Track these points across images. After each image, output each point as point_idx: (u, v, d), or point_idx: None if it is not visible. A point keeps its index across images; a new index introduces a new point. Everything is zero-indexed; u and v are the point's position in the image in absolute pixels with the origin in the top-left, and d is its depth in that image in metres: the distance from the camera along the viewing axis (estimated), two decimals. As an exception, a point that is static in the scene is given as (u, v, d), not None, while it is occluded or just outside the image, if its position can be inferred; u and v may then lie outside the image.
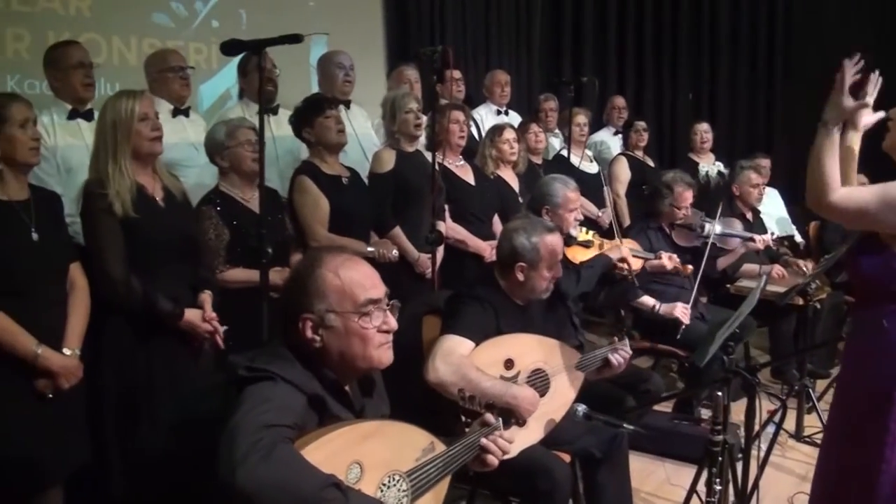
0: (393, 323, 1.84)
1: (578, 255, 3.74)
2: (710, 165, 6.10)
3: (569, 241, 3.68)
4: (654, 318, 4.18)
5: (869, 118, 2.36)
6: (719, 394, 2.65)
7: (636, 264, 3.97)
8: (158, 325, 2.71)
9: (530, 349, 2.77)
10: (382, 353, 1.83)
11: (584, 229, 3.84)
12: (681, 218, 4.48)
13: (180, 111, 3.85)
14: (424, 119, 4.09)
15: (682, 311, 4.12)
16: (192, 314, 2.78)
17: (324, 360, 1.79)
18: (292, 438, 1.60)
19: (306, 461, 1.55)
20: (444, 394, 2.56)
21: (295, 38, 2.47)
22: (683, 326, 4.09)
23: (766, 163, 6.07)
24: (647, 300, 4.15)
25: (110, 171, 2.67)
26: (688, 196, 4.49)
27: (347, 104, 4.39)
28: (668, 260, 4.10)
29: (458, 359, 2.61)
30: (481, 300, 2.80)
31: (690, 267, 4.13)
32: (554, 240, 2.92)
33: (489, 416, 1.95)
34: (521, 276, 2.87)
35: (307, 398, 1.70)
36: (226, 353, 3.06)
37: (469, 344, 2.67)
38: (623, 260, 3.74)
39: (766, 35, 7.67)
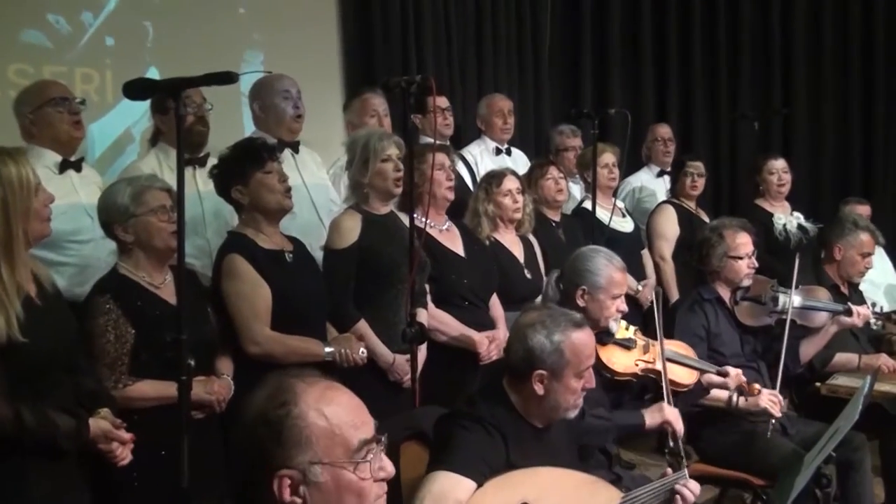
0: (390, 467, 1.87)
1: (615, 359, 3.75)
2: (787, 217, 6.10)
3: (604, 338, 3.71)
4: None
5: None
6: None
7: (688, 378, 3.93)
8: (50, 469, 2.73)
9: (554, 489, 2.78)
10: None
11: (624, 324, 3.85)
12: (745, 274, 4.50)
13: (70, 164, 3.88)
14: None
15: (769, 400, 4.10)
16: (97, 423, 2.81)
17: None
18: None
19: None
20: None
21: (226, 78, 2.51)
22: (773, 422, 4.09)
23: (863, 210, 6.13)
24: (719, 394, 4.12)
25: None
26: (746, 242, 4.50)
27: (296, 147, 4.49)
28: (734, 379, 4.01)
29: None
30: (485, 423, 2.81)
31: (758, 387, 4.09)
32: (583, 338, 2.95)
33: None
34: (539, 389, 2.90)
35: None
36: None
37: (469, 484, 2.68)
38: (667, 424, 3.53)
39: (862, 46, 7.87)
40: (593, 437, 3.45)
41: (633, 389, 3.86)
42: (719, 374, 4.01)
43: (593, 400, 3.32)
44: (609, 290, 3.68)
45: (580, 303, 3.66)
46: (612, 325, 3.71)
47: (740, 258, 4.48)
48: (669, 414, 3.50)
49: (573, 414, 2.99)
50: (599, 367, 3.67)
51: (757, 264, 4.56)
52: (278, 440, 1.78)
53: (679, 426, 3.50)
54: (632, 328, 3.88)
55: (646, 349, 3.84)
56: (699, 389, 4.00)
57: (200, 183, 4.01)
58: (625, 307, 3.76)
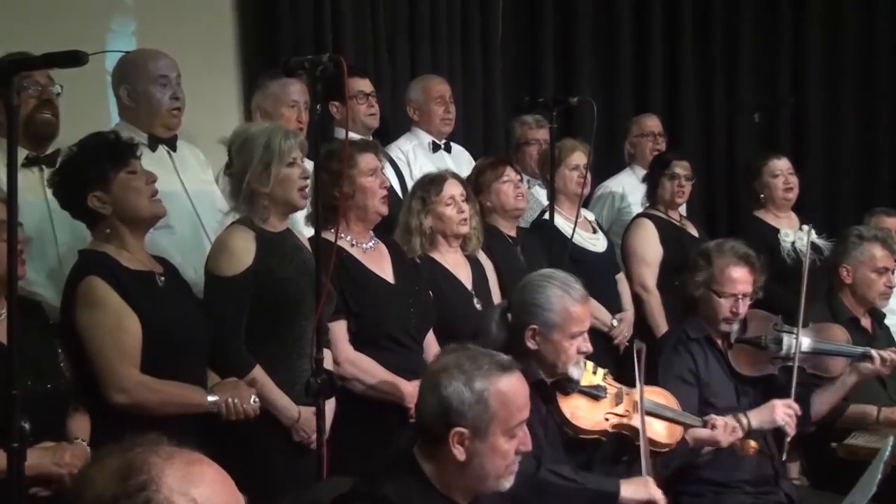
0: None
1: (581, 413, 3.73)
2: (795, 232, 6.16)
3: (566, 386, 3.71)
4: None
5: None
6: None
7: (669, 436, 3.93)
8: None
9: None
10: None
11: (590, 366, 3.83)
12: (725, 318, 4.48)
13: None
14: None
15: (783, 414, 4.17)
16: None
17: None
18: None
19: None
20: None
21: (73, 59, 2.50)
22: (788, 439, 4.18)
23: (893, 223, 6.19)
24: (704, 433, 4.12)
25: None
26: (739, 280, 4.46)
27: (173, 144, 4.46)
28: (725, 432, 4.03)
29: None
30: None
31: (755, 444, 4.11)
32: (513, 384, 2.89)
33: None
34: (459, 453, 2.84)
35: None
36: None
37: None
38: None
39: (890, 20, 7.99)
40: (553, 501, 3.42)
41: (602, 451, 3.85)
42: (707, 425, 4.02)
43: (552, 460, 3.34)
44: (566, 329, 3.65)
45: (531, 345, 3.65)
46: (574, 371, 3.69)
47: (721, 296, 4.46)
48: (656, 493, 3.45)
49: (507, 484, 2.92)
50: (561, 423, 3.69)
51: (744, 311, 4.52)
52: None
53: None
54: (600, 371, 3.87)
55: (618, 399, 3.83)
56: (684, 449, 4.00)
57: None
58: (588, 347, 3.73)
